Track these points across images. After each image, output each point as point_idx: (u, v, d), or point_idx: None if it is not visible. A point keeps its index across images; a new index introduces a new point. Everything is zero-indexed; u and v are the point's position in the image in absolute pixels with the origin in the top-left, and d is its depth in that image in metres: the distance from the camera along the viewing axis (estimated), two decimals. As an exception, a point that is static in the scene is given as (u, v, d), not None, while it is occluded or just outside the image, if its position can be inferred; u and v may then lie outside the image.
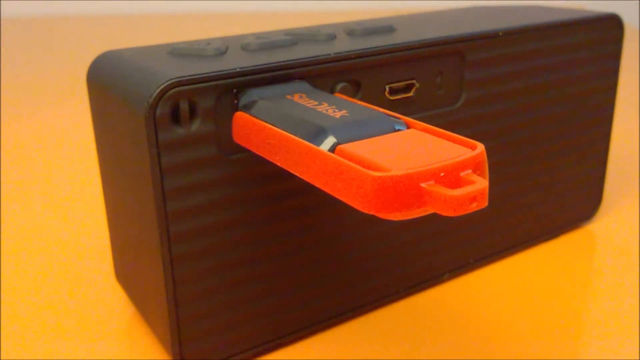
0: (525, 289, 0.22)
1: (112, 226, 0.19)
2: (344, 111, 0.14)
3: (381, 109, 0.15)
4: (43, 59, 0.62)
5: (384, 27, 0.20)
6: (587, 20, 0.22)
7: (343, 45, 0.18)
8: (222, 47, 0.17)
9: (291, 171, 0.14)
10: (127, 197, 0.17)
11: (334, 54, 0.17)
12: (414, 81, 0.19)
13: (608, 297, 0.21)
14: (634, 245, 0.24)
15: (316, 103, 0.15)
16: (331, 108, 0.14)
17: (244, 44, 0.18)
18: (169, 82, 0.15)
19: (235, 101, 0.16)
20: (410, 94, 0.19)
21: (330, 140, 0.13)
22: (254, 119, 0.15)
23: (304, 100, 0.15)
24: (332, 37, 0.19)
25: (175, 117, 0.15)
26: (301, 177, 0.13)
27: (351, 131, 0.13)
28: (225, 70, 0.15)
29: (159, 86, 0.15)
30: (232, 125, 0.16)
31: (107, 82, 0.17)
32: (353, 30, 0.19)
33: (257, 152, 0.15)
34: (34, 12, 0.89)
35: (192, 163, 0.15)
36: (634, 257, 0.23)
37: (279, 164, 0.14)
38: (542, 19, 0.21)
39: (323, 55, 0.17)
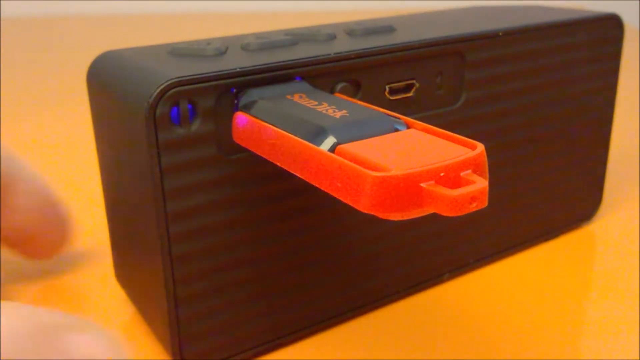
0: (525, 289, 0.22)
1: (112, 226, 0.19)
2: (344, 111, 0.14)
3: (381, 109, 0.15)
4: (43, 59, 0.62)
5: (384, 27, 0.20)
6: (587, 20, 0.22)
7: (343, 45, 0.18)
8: (222, 47, 0.17)
9: (291, 171, 0.14)
10: (127, 197, 0.17)
11: (334, 54, 0.17)
12: (414, 81, 0.19)
13: (608, 297, 0.21)
14: (634, 245, 0.24)
15: (316, 103, 0.15)
16: (331, 108, 0.14)
17: (244, 44, 0.18)
18: (169, 82, 0.15)
19: (235, 101, 0.16)
20: (410, 94, 0.19)
21: (330, 140, 0.13)
22: (254, 119, 0.15)
23: (304, 100, 0.15)
24: (332, 37, 0.19)
25: (175, 117, 0.15)
26: (301, 177, 0.13)
27: (351, 131, 0.13)
28: (225, 70, 0.15)
29: (159, 86, 0.15)
30: (232, 125, 0.16)
31: (107, 82, 0.17)
32: (353, 30, 0.19)
33: (256, 152, 0.15)
34: (34, 12, 0.88)
35: (192, 163, 0.15)
36: (634, 257, 0.23)
37: (278, 164, 0.14)
38: (542, 19, 0.21)
39: (323, 55, 0.17)
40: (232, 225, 0.16)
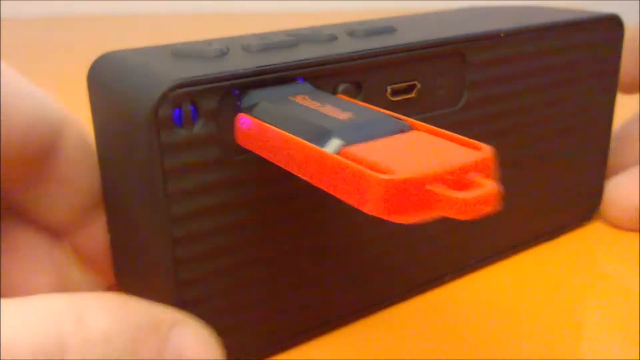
0: (526, 289, 0.21)
1: (113, 229, 0.19)
2: (349, 113, 0.14)
3: (386, 111, 0.15)
4: (43, 59, 0.61)
5: (384, 28, 0.19)
6: (588, 21, 0.22)
7: (345, 46, 0.18)
8: (223, 48, 0.17)
9: (295, 173, 0.14)
10: (129, 200, 0.17)
11: (336, 54, 0.17)
12: (415, 82, 0.19)
13: (608, 297, 0.21)
14: (634, 245, 0.24)
15: (319, 104, 0.15)
16: (335, 109, 0.14)
17: (245, 44, 0.18)
18: (172, 84, 0.14)
19: (238, 102, 0.16)
20: (412, 95, 0.19)
21: (335, 142, 0.13)
22: (257, 121, 0.15)
23: (307, 101, 0.15)
24: (333, 38, 0.19)
25: (177, 118, 0.15)
26: (305, 179, 0.13)
27: (356, 133, 0.13)
28: (228, 72, 0.15)
29: (162, 88, 0.14)
30: (234, 127, 0.15)
31: (108, 84, 0.17)
32: (354, 30, 0.19)
33: (260, 154, 0.15)
34: (34, 12, 0.88)
35: (194, 165, 0.15)
36: (634, 257, 0.23)
37: (283, 166, 0.14)
38: (543, 19, 0.21)
39: (325, 56, 0.17)
40: (236, 227, 0.16)
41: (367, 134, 0.13)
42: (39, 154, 0.17)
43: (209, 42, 0.18)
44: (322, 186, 0.13)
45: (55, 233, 0.19)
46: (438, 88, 0.19)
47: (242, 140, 0.15)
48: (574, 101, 0.23)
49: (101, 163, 0.18)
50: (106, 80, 0.17)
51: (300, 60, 0.16)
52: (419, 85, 0.19)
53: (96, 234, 0.19)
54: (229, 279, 0.17)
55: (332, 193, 0.13)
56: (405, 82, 0.18)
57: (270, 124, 0.14)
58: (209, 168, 0.15)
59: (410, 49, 0.18)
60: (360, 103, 0.16)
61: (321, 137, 0.13)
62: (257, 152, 0.15)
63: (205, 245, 0.16)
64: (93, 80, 0.18)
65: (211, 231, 0.16)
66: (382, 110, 0.15)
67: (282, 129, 0.14)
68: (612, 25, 0.23)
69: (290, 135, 0.14)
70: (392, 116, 0.14)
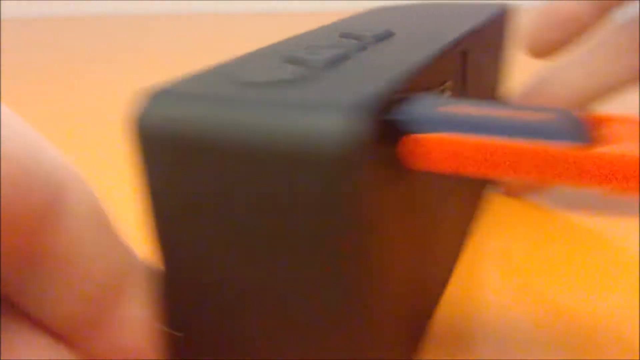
0: (525, 286, 0.22)
1: (189, 321, 0.14)
2: (537, 113, 0.14)
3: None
4: (43, 59, 0.60)
5: (385, 32, 0.19)
6: (507, 11, 0.24)
7: (401, 52, 0.17)
8: (295, 69, 0.14)
9: (523, 178, 0.13)
10: (277, 273, 0.13)
11: (429, 57, 0.16)
12: (449, 82, 0.18)
13: (608, 298, 0.21)
14: (634, 245, 0.24)
15: (488, 110, 0.14)
16: (516, 112, 0.14)
17: (300, 61, 0.15)
18: (358, 113, 0.12)
19: (389, 122, 0.13)
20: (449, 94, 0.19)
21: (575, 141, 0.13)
22: (452, 136, 0.13)
23: (469, 109, 0.14)
24: (362, 47, 0.17)
25: (366, 150, 0.12)
26: (567, 184, 0.13)
27: (576, 133, 0.13)
28: (388, 88, 0.13)
29: (344, 121, 0.12)
30: (400, 149, 0.13)
31: (208, 133, 0.12)
32: (360, 36, 0.18)
33: (468, 173, 0.13)
34: (34, 12, 0.89)
35: (379, 201, 0.13)
36: (634, 256, 0.23)
37: (493, 175, 0.13)
38: (491, 13, 0.23)
39: (426, 61, 0.15)
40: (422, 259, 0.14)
41: (583, 134, 0.13)
42: (32, 224, 0.12)
43: (265, 65, 0.15)
44: (577, 184, 0.12)
45: (60, 336, 0.14)
46: (454, 86, 0.19)
47: (419, 162, 0.13)
48: (494, 83, 0.25)
49: (169, 235, 0.14)
50: (197, 129, 0.13)
51: (424, 62, 0.15)
52: (450, 84, 0.19)
53: (114, 336, 0.14)
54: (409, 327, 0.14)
55: (592, 187, 0.12)
56: (444, 82, 0.18)
57: (475, 135, 0.13)
58: (390, 200, 0.13)
59: (453, 47, 0.18)
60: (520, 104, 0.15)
61: (550, 138, 0.13)
62: (444, 169, 0.13)
63: (400, 290, 0.14)
64: (157, 131, 0.13)
65: (402, 273, 0.14)
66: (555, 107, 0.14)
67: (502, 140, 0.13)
68: (508, 11, 0.25)
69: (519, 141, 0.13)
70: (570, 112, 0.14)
